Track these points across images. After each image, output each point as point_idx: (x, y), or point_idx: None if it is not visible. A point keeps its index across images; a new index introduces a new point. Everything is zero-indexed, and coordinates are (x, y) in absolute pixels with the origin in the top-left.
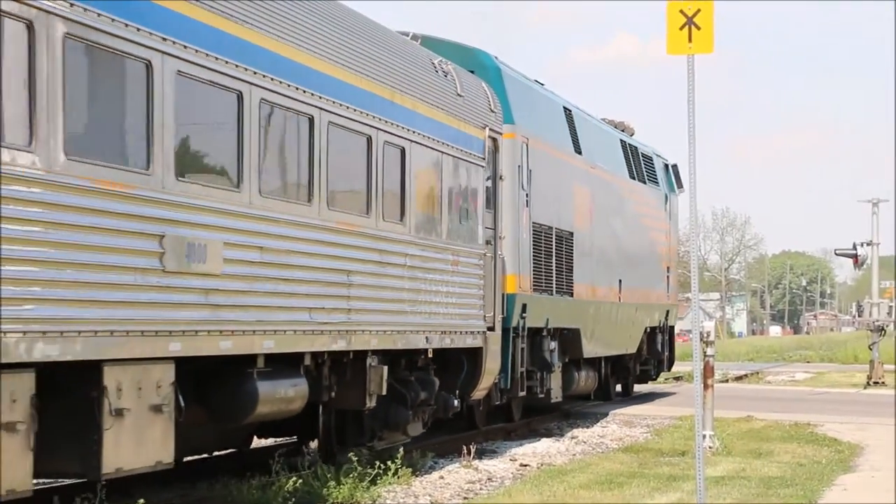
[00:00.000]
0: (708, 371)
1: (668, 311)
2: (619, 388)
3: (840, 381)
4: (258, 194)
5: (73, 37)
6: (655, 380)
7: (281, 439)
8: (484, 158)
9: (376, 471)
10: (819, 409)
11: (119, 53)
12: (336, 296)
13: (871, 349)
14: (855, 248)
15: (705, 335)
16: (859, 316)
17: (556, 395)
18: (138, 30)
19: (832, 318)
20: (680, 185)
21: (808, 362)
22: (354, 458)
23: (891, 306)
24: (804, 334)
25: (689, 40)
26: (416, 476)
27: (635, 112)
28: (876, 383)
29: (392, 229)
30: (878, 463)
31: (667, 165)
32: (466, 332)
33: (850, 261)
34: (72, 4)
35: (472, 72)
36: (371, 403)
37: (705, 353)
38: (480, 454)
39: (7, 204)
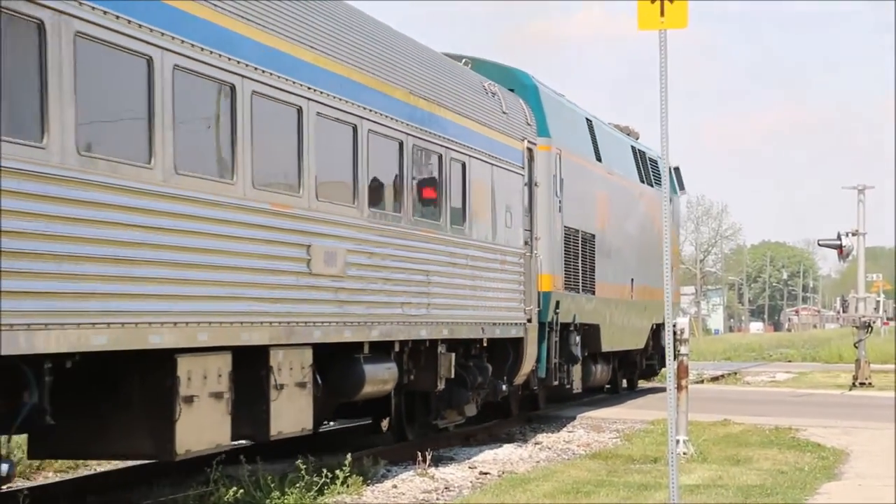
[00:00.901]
0: (682, 371)
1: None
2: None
3: (824, 382)
4: (368, 210)
5: (260, 95)
6: (657, 375)
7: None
8: (522, 167)
9: (323, 479)
10: (801, 412)
11: (291, 105)
12: (419, 292)
13: (856, 347)
14: (839, 238)
15: (679, 332)
16: (844, 312)
17: (577, 386)
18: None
19: (815, 313)
20: (682, 187)
21: (789, 361)
22: (303, 466)
23: (878, 301)
24: (785, 331)
25: (662, 14)
26: (368, 485)
27: (597, 92)
28: (862, 384)
29: (458, 234)
30: (864, 470)
31: (670, 168)
32: (511, 324)
33: (835, 252)
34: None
35: (511, 90)
36: (441, 386)
37: (679, 351)
38: (437, 461)
39: (230, 226)
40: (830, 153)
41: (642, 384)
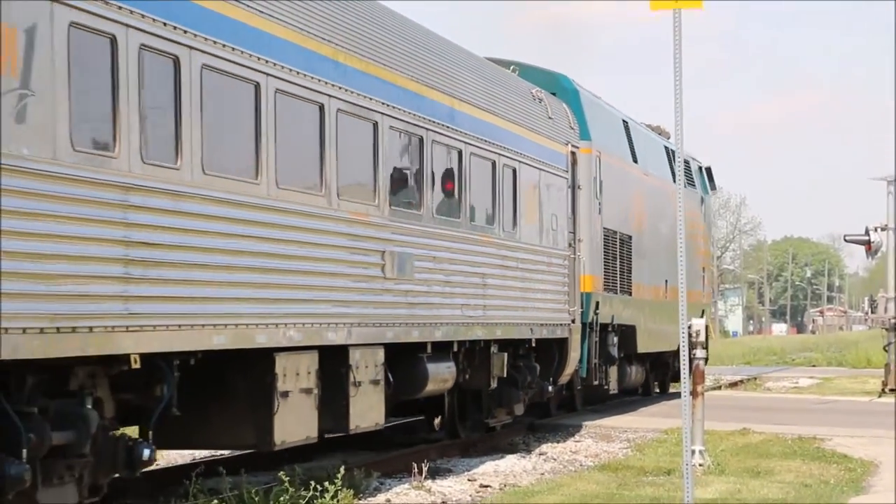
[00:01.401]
0: (698, 376)
1: (703, 311)
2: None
3: (850, 388)
4: (432, 217)
5: (345, 112)
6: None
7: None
8: (566, 171)
9: (311, 493)
10: (826, 420)
11: (368, 121)
12: (476, 295)
13: (886, 351)
14: (867, 233)
15: (694, 334)
16: (872, 312)
17: (613, 387)
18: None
19: (841, 314)
20: (714, 188)
21: (813, 366)
22: (286, 479)
23: None
24: (809, 333)
25: None
26: (359, 499)
27: (607, 78)
28: (892, 391)
29: (509, 237)
30: (894, 482)
31: (700, 168)
32: (556, 325)
33: (862, 248)
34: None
35: (553, 93)
36: (494, 384)
37: (694, 355)
38: (434, 473)
39: (320, 234)
40: (859, 141)
41: (674, 387)
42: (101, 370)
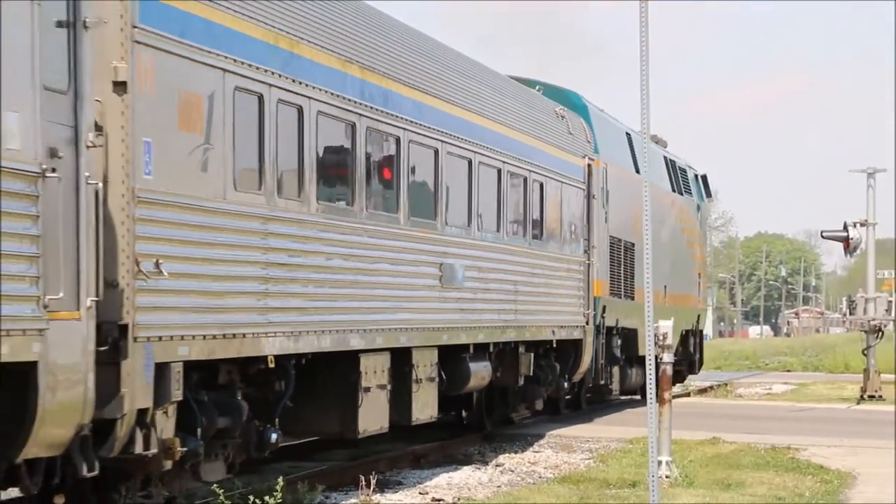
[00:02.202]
0: (665, 382)
1: (698, 316)
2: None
3: (827, 395)
4: (477, 231)
5: (415, 143)
6: (684, 381)
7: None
8: (583, 182)
9: None
10: (801, 429)
11: (430, 149)
12: (509, 300)
13: (865, 355)
14: (846, 229)
15: (661, 338)
16: (851, 314)
17: (615, 388)
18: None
19: (818, 316)
20: (709, 195)
21: (787, 371)
22: (220, 491)
23: (890, 301)
24: (783, 336)
25: None
26: None
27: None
28: (871, 397)
29: (536, 247)
30: (873, 495)
31: (696, 176)
32: (573, 327)
33: (840, 245)
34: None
35: (560, 100)
36: (521, 382)
37: (661, 359)
38: (383, 486)
39: (397, 251)
40: (837, 131)
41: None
42: (235, 368)
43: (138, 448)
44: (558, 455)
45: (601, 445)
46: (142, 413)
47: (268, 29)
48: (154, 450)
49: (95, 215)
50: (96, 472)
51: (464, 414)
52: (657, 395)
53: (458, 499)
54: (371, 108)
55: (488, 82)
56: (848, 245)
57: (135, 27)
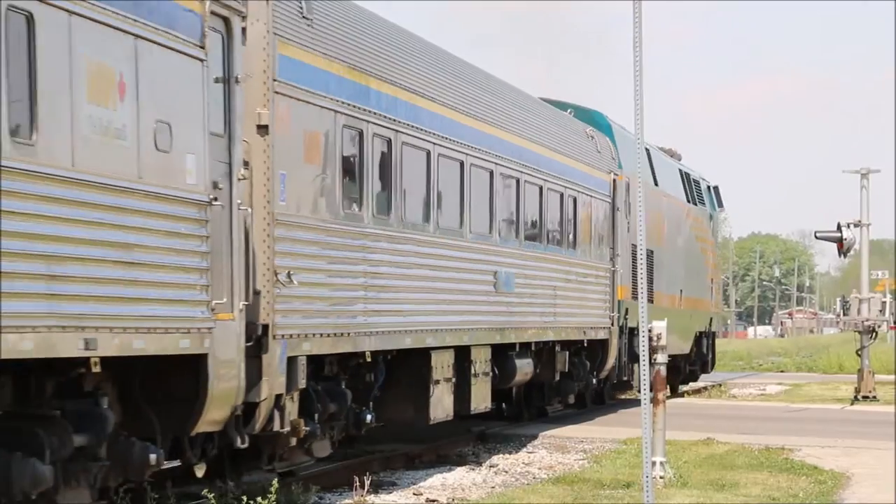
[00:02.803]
0: (659, 383)
1: (711, 319)
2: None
3: (821, 395)
4: (520, 243)
5: (475, 166)
6: (697, 380)
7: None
8: (609, 195)
9: None
10: (795, 429)
11: (485, 171)
12: (550, 304)
13: (859, 356)
14: (839, 229)
15: (655, 338)
16: (845, 314)
17: (636, 384)
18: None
19: (812, 316)
20: (720, 205)
21: (781, 372)
22: (210, 496)
23: (884, 302)
24: (777, 337)
25: None
26: None
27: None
28: (865, 398)
29: (570, 255)
30: (868, 496)
31: (709, 187)
32: (601, 328)
33: (834, 246)
34: None
35: (586, 121)
36: (557, 377)
37: (655, 360)
38: (377, 487)
39: (462, 262)
40: (831, 132)
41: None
42: (336, 360)
43: (276, 426)
44: (552, 456)
45: (595, 446)
46: (277, 398)
47: (361, 73)
48: (287, 429)
49: (245, 235)
50: (247, 444)
51: (503, 406)
52: (651, 396)
53: (453, 499)
54: (441, 136)
55: (532, 110)
56: (842, 246)
57: (274, 80)
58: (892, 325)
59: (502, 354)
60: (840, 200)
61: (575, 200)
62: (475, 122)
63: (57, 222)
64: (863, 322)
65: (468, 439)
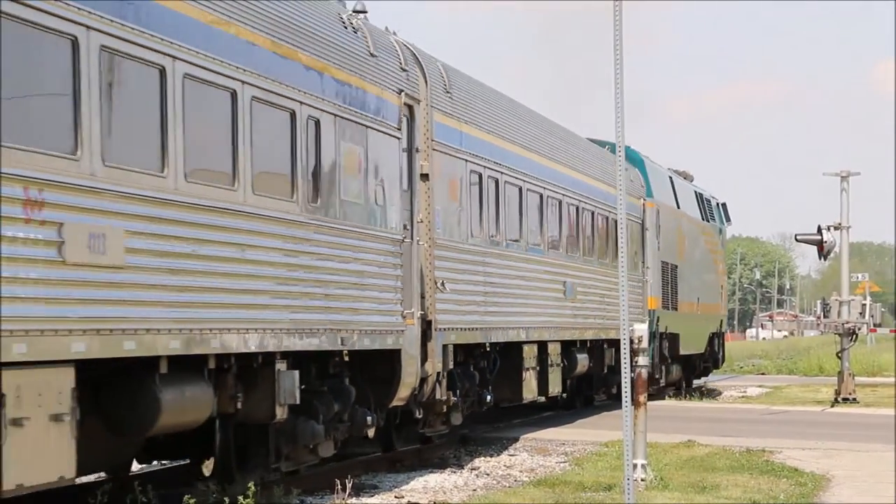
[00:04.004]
0: (640, 385)
1: (721, 321)
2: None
3: (802, 398)
4: (579, 258)
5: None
6: (706, 375)
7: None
8: (640, 218)
9: None
10: (776, 431)
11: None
12: (600, 308)
13: (839, 358)
14: (820, 232)
15: (636, 340)
16: (825, 317)
17: (663, 381)
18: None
19: (792, 319)
20: (728, 220)
21: (762, 374)
22: (191, 501)
23: (864, 305)
24: (759, 339)
25: None
26: None
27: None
28: (846, 400)
29: (612, 267)
30: (848, 498)
31: (718, 204)
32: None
33: (814, 249)
34: None
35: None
36: (605, 370)
37: (636, 362)
38: (359, 490)
39: (541, 273)
40: (811, 135)
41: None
42: (461, 350)
43: (438, 395)
44: (534, 458)
45: (577, 448)
46: (437, 375)
47: (480, 129)
48: (444, 398)
49: (418, 259)
50: (421, 415)
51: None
52: (632, 399)
53: (434, 503)
54: (528, 175)
55: (584, 148)
56: (822, 248)
57: (432, 139)
58: (872, 327)
59: (567, 350)
60: (821, 203)
61: (615, 223)
62: (550, 162)
63: (330, 259)
64: (843, 324)
65: (450, 442)
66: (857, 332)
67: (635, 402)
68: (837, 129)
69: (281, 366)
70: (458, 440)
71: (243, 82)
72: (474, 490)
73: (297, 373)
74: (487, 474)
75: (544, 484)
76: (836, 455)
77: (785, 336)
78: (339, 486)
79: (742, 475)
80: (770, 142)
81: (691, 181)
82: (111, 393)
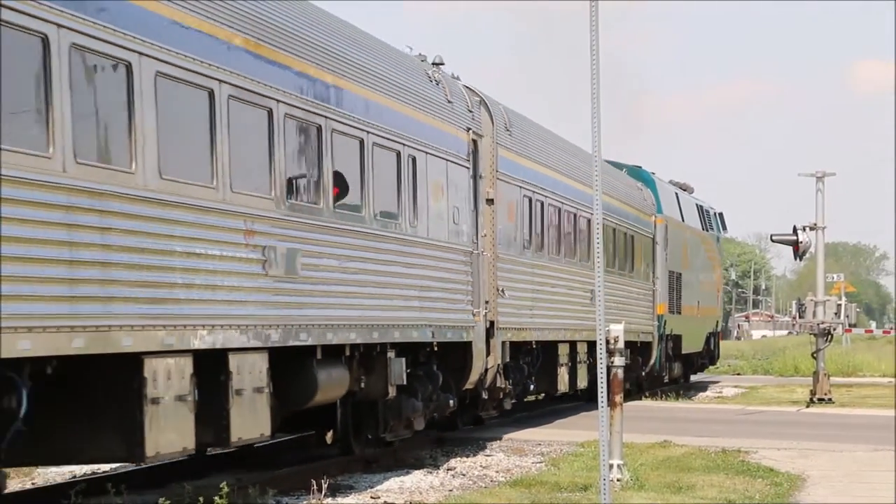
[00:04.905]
0: (616, 386)
1: (717, 321)
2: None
3: (777, 398)
4: (608, 267)
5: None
6: (703, 371)
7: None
8: (651, 233)
9: None
10: (752, 432)
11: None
12: (624, 311)
13: (814, 358)
14: (795, 232)
15: (612, 341)
16: (800, 317)
17: (667, 377)
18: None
19: (768, 319)
20: (725, 228)
21: (738, 374)
22: (166, 501)
23: (839, 305)
24: (734, 339)
25: None
26: None
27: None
28: (821, 400)
29: (629, 277)
30: (823, 497)
31: (716, 214)
32: (648, 333)
33: (790, 249)
34: None
35: (639, 179)
36: (627, 362)
37: (612, 363)
38: (334, 490)
39: (580, 284)
40: (787, 135)
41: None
42: (510, 346)
43: (498, 383)
44: (510, 459)
45: (553, 449)
46: (497, 366)
47: (532, 160)
48: (502, 385)
49: (483, 268)
50: (486, 397)
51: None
52: (608, 399)
53: (410, 503)
54: (567, 198)
55: (609, 172)
56: (798, 248)
57: (497, 171)
58: (848, 328)
59: (591, 349)
60: (796, 203)
61: (633, 238)
62: (582, 186)
63: (425, 268)
64: (818, 325)
65: (426, 443)
66: (832, 332)
67: (611, 403)
68: (813, 130)
69: (391, 354)
70: (434, 441)
71: (367, 132)
72: (450, 490)
73: (404, 359)
74: (463, 475)
75: (520, 484)
76: (811, 455)
77: (763, 336)
78: (315, 487)
79: (718, 475)
80: (746, 142)
81: (691, 193)
82: (283, 372)
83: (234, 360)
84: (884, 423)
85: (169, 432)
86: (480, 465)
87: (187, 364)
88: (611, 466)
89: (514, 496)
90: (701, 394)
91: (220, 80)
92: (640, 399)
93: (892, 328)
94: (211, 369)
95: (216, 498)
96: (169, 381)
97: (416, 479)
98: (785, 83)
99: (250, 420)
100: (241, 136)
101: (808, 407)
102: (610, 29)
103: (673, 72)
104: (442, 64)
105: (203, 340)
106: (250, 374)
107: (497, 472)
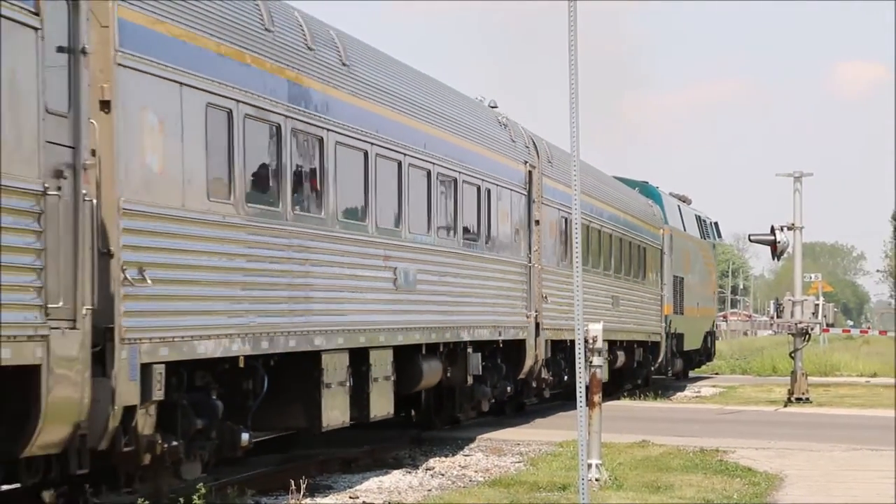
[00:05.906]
0: (595, 385)
1: (713, 321)
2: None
3: (755, 398)
4: (626, 275)
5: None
6: (700, 368)
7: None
8: (661, 244)
9: None
10: (730, 431)
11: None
12: (635, 315)
13: (792, 358)
14: (773, 232)
15: (591, 341)
16: (778, 317)
17: (671, 373)
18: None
19: (746, 319)
20: (720, 236)
21: (716, 374)
22: (141, 501)
23: (816, 305)
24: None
25: None
26: None
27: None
28: (799, 400)
29: (639, 283)
30: (801, 497)
31: (712, 223)
32: (656, 333)
33: (768, 249)
34: None
35: (646, 194)
36: (636, 364)
37: (591, 362)
38: (313, 490)
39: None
40: (765, 135)
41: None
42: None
43: (543, 375)
44: (489, 458)
45: (531, 448)
46: (542, 361)
47: (568, 186)
48: (547, 377)
49: (533, 279)
50: (535, 385)
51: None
52: (587, 399)
53: (389, 503)
54: (591, 215)
55: (622, 189)
56: (775, 248)
57: (542, 196)
58: (825, 327)
59: (611, 347)
60: (774, 203)
61: (644, 250)
62: (602, 204)
63: (495, 279)
64: (796, 324)
65: (404, 442)
66: (809, 332)
67: (590, 403)
68: (792, 130)
69: (470, 350)
70: (413, 440)
71: (459, 172)
72: (429, 490)
73: (479, 354)
74: (442, 474)
75: (499, 484)
76: (789, 454)
77: (745, 333)
78: (294, 487)
79: (696, 475)
80: (724, 142)
81: (689, 204)
82: (399, 364)
83: (373, 355)
84: (861, 423)
85: (334, 410)
86: (459, 465)
87: (345, 358)
88: (589, 466)
89: (493, 496)
90: (679, 394)
91: (372, 143)
92: (619, 399)
93: (869, 328)
94: (356, 362)
95: (194, 497)
96: (335, 371)
97: (395, 479)
98: (764, 84)
99: (383, 401)
100: (383, 185)
101: (785, 406)
102: (590, 27)
103: (652, 71)
104: (496, 107)
105: (359, 341)
106: (383, 366)
107: (476, 471)
